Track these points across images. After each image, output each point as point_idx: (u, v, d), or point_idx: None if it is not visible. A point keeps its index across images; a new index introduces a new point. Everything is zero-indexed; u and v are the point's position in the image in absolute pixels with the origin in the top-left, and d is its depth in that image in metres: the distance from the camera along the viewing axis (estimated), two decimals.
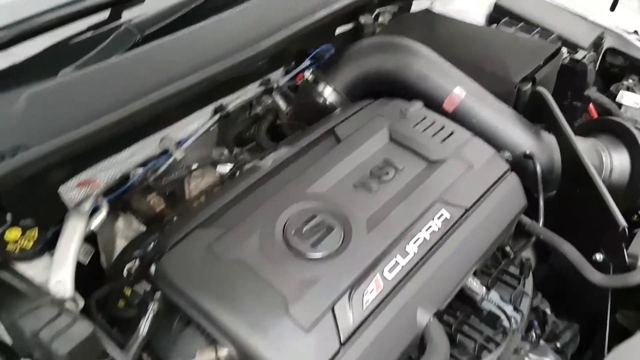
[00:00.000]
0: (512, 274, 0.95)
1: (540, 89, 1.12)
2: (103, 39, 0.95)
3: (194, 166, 1.09)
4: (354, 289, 0.75)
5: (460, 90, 1.10)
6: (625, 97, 1.40)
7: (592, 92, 1.36)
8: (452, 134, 0.99)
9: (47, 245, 0.81)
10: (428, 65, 1.12)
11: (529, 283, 0.96)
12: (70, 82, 0.88)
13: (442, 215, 0.86)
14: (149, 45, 0.97)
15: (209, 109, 1.10)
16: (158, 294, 0.81)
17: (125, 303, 0.86)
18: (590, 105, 1.41)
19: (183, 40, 0.97)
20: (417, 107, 1.04)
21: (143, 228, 1.04)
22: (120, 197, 0.98)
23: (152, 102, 0.87)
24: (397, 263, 0.79)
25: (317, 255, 0.78)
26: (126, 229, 1.04)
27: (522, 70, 1.17)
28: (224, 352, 0.73)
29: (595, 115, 1.44)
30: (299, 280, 0.74)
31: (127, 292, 0.87)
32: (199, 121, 1.10)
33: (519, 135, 1.09)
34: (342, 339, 0.71)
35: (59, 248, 0.82)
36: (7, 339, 0.78)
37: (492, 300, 0.85)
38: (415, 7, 1.49)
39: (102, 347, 0.72)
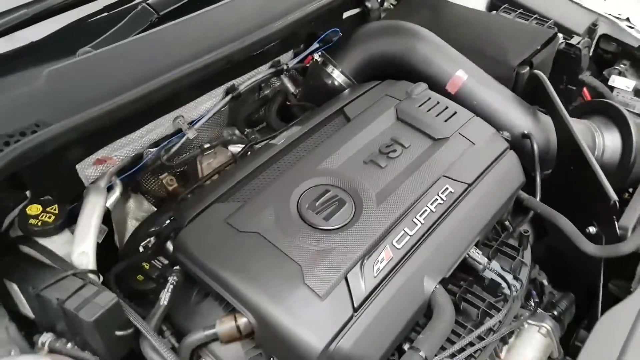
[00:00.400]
0: (512, 245, 0.99)
1: (537, 72, 1.16)
2: (120, 18, 0.95)
3: (207, 145, 1.10)
4: (365, 258, 0.78)
5: (463, 73, 1.12)
6: (617, 81, 1.44)
7: (586, 76, 1.40)
8: (454, 114, 1.02)
9: (67, 220, 0.83)
10: (432, 49, 1.14)
11: (528, 254, 1.00)
12: (89, 60, 0.88)
13: (446, 189, 0.89)
14: (165, 25, 0.97)
15: (221, 89, 1.12)
16: (177, 267, 0.83)
17: (144, 277, 0.88)
18: (584, 89, 1.44)
19: (198, 21, 0.98)
20: (421, 88, 1.06)
21: (153, 209, 1.05)
22: (132, 178, 1.00)
23: (167, 81, 0.88)
24: (405, 234, 0.82)
25: (330, 227, 0.80)
26: (137, 210, 1.06)
27: (520, 55, 1.20)
28: (243, 320, 0.75)
29: (588, 98, 1.48)
30: (313, 251, 0.77)
31: (146, 266, 0.88)
32: (211, 101, 1.11)
33: (517, 116, 1.12)
34: (355, 306, 0.74)
35: (80, 222, 0.83)
36: (29, 313, 0.79)
37: (494, 269, 0.88)
38: None
39: (125, 317, 0.74)
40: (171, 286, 0.81)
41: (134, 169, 0.98)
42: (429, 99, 1.04)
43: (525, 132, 1.10)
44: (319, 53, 1.19)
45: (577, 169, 1.05)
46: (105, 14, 1.01)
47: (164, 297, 0.80)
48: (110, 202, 0.91)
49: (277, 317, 0.72)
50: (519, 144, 1.09)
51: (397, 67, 1.15)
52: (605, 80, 1.47)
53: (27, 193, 0.85)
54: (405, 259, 0.80)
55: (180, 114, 1.05)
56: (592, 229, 1.00)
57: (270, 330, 0.73)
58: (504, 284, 0.88)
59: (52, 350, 0.74)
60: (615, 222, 0.97)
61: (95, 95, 0.83)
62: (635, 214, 1.00)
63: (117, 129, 0.92)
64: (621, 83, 1.43)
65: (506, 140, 1.08)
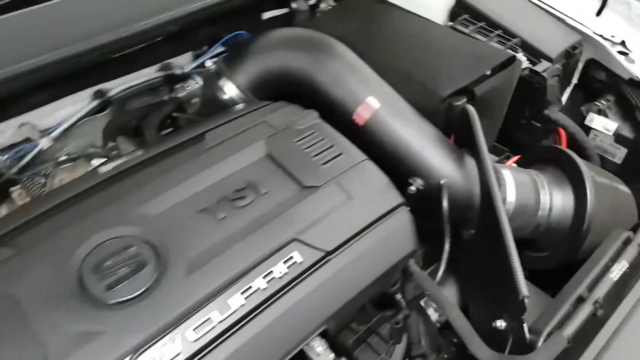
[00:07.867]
0: (383, 337, 0.70)
1: (467, 106, 0.83)
2: None
3: (63, 158, 0.87)
4: (139, 352, 0.53)
5: (374, 101, 0.82)
6: (596, 121, 1.07)
7: (554, 111, 1.04)
8: (339, 155, 0.73)
9: None
10: (342, 68, 0.84)
11: (399, 351, 0.71)
12: None
13: (291, 258, 0.62)
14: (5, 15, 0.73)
15: (86, 93, 0.88)
16: None
17: None
18: (560, 128, 1.08)
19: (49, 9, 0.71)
20: (310, 118, 0.77)
21: None
22: None
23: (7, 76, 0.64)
24: (209, 320, 0.56)
25: (109, 301, 0.56)
26: None
27: (455, 82, 0.87)
28: None
29: (564, 138, 1.12)
30: (74, 333, 0.53)
31: None
32: (76, 107, 0.87)
33: (435, 159, 0.81)
34: None
35: None
36: None
37: None
38: None
39: None
40: None
41: None
42: (313, 133, 0.75)
43: (441, 182, 0.79)
44: (216, 60, 0.91)
45: (491, 236, 0.73)
46: None
47: None
48: None
49: None
50: (435, 195, 0.79)
51: (299, 86, 0.86)
52: (582, 118, 1.11)
53: None
54: (199, 356, 0.54)
55: (30, 120, 0.82)
56: (499, 324, 0.69)
57: None
58: None
59: None
60: (524, 325, 0.66)
61: None
62: (556, 315, 0.69)
63: None
64: (600, 124, 1.07)
65: (418, 189, 0.79)
